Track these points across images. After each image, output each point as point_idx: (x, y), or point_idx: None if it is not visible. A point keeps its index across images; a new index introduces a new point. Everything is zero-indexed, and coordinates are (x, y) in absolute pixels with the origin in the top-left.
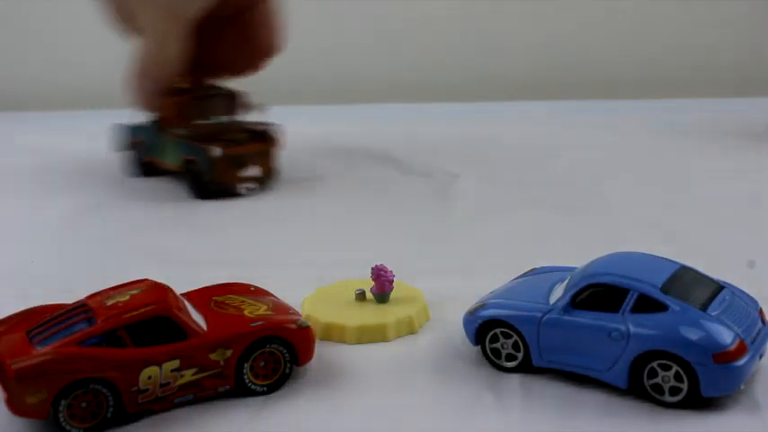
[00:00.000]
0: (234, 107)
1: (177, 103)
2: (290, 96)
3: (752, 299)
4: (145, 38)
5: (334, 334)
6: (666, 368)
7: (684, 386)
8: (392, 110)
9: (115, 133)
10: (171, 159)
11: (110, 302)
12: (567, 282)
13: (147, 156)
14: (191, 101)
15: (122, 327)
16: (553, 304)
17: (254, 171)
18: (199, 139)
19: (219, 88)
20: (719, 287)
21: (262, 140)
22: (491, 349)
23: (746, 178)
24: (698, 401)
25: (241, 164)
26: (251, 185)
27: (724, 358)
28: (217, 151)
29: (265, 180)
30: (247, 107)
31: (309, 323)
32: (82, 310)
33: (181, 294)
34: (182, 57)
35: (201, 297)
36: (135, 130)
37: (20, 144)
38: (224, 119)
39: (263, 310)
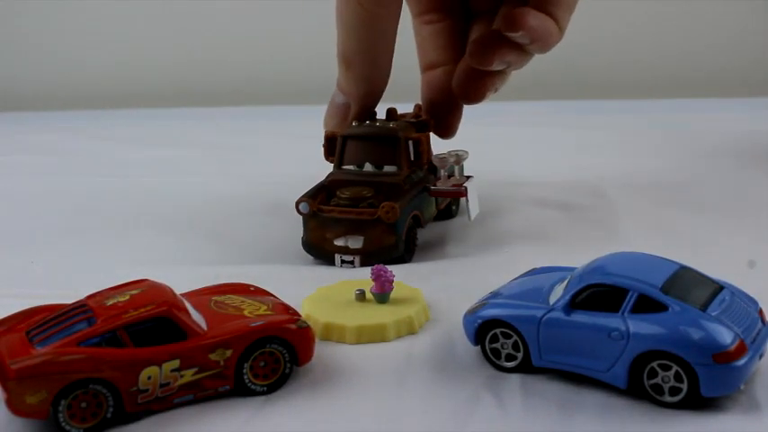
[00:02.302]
0: (402, 155)
1: (328, 135)
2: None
3: (752, 299)
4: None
5: (334, 334)
6: (666, 368)
7: (684, 386)
8: None
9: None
10: None
11: (110, 302)
12: (566, 282)
13: None
14: (345, 137)
15: (122, 327)
16: (553, 304)
17: (354, 242)
18: (318, 188)
19: (390, 128)
20: (719, 287)
21: (375, 204)
22: (491, 349)
23: (746, 178)
24: (698, 401)
25: (337, 229)
26: (348, 258)
27: (724, 358)
28: (303, 207)
29: (371, 256)
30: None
31: (309, 323)
32: (82, 310)
33: (181, 294)
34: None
35: (201, 297)
36: None
37: (20, 144)
38: (389, 168)
39: (263, 310)
